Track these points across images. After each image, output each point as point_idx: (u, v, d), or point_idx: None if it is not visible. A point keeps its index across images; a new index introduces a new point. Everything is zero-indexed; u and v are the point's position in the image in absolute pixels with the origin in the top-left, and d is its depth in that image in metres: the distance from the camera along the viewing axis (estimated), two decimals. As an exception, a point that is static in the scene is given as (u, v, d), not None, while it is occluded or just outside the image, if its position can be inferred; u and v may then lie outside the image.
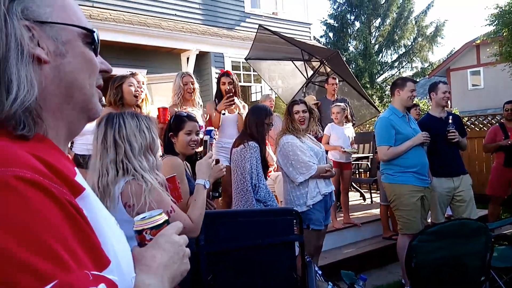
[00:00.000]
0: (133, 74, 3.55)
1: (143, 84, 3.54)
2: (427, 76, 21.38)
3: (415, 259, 2.20)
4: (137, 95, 3.37)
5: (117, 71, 3.66)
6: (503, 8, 7.03)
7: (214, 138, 3.93)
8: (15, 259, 0.47)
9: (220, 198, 4.10)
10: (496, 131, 5.38)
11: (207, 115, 4.15)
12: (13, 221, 0.49)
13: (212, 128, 3.97)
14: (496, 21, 7.23)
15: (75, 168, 0.68)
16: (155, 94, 7.88)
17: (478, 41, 11.14)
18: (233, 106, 3.99)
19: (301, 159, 3.12)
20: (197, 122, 2.50)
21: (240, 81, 9.68)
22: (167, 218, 0.90)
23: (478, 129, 7.75)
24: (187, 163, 2.51)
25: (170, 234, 0.83)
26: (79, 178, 0.66)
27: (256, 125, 3.08)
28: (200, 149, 3.62)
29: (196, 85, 3.96)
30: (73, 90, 0.68)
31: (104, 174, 1.71)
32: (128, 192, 1.69)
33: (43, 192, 0.52)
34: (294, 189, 3.20)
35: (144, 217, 0.89)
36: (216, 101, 4.13)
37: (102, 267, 0.57)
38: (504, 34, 7.25)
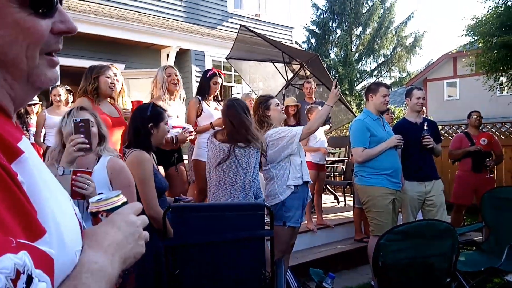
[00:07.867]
0: (108, 66, 3.48)
1: (115, 76, 3.46)
2: (405, 86, 21.79)
3: (382, 258, 2.21)
4: (112, 87, 3.30)
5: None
6: (479, 19, 7.20)
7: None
8: None
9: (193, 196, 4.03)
10: (462, 138, 5.42)
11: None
12: None
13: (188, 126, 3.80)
14: (472, 31, 7.39)
15: (23, 136, 0.64)
16: (133, 89, 7.75)
17: (454, 51, 11.37)
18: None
19: None
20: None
21: (221, 81, 9.66)
22: (125, 200, 0.85)
23: (451, 138, 7.91)
24: (153, 155, 2.48)
25: (127, 213, 0.78)
26: (23, 144, 0.61)
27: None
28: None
29: (179, 77, 3.91)
30: (6, 67, 0.59)
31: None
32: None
33: None
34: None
35: (100, 199, 0.84)
36: (199, 98, 4.05)
37: (34, 237, 0.53)
38: (480, 45, 7.40)
